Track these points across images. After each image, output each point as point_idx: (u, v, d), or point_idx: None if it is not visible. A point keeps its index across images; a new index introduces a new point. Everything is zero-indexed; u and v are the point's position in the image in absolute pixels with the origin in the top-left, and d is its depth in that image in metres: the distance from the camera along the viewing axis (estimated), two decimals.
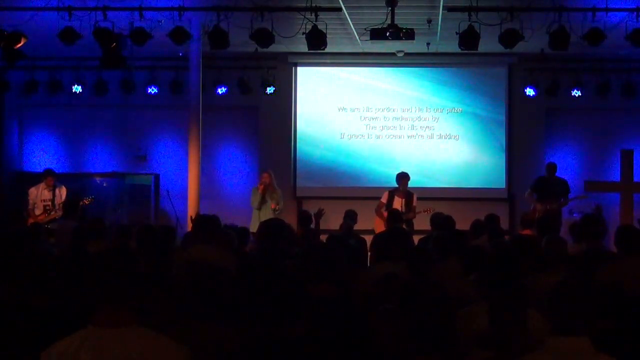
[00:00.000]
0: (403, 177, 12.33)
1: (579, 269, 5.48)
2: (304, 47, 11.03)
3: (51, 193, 11.73)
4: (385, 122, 14.75)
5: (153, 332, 3.03)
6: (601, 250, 6.39)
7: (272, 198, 12.03)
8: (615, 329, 3.86)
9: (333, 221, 12.58)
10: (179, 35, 10.39)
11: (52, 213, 11.47)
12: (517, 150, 14.59)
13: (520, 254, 5.48)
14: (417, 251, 5.86)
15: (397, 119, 14.74)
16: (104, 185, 14.38)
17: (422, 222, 11.65)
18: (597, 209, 12.19)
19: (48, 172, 12.02)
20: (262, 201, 12.03)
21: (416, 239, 9.32)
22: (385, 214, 11.96)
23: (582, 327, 3.06)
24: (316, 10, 10.17)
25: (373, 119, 14.76)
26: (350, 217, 11.27)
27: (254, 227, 10.45)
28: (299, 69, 14.84)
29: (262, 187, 12.08)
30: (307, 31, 10.38)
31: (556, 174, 13.00)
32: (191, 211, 12.15)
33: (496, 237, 7.90)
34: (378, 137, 14.74)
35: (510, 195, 14.38)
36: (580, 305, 3.08)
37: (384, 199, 12.28)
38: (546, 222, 8.22)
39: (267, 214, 11.66)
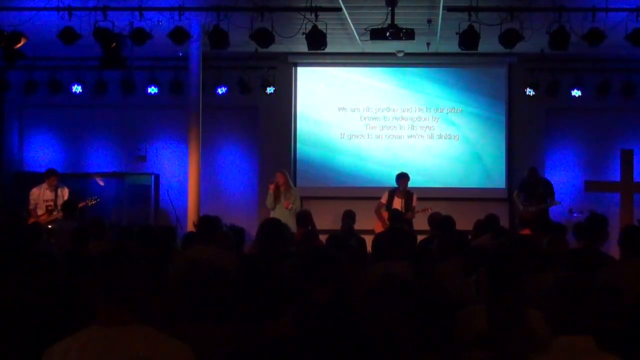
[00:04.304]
0: (403, 177, 12.34)
1: (575, 268, 5.47)
2: (304, 47, 11.03)
3: (53, 193, 11.69)
4: (385, 122, 14.75)
5: (157, 331, 3.04)
6: (598, 252, 6.38)
7: (287, 197, 12.00)
8: (617, 330, 3.86)
9: (333, 221, 12.59)
10: (179, 35, 10.39)
11: (55, 213, 11.44)
12: (517, 150, 14.60)
13: (520, 253, 5.48)
14: (419, 251, 5.86)
15: (397, 119, 14.74)
16: (104, 185, 14.38)
17: (422, 222, 11.66)
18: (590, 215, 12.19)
19: (51, 172, 11.94)
20: (276, 201, 12.02)
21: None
22: (385, 214, 12.00)
23: (584, 326, 3.06)
24: (316, 10, 10.17)
25: (373, 119, 14.76)
26: (350, 217, 11.28)
27: None
28: (299, 69, 14.84)
29: (272, 186, 12.05)
30: (307, 31, 10.38)
31: (540, 175, 13.04)
32: (191, 211, 12.16)
33: (501, 236, 7.90)
34: (378, 137, 14.74)
35: (510, 195, 14.38)
36: (581, 304, 3.08)
37: (383, 199, 12.29)
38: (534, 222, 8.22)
39: (280, 213, 11.60)
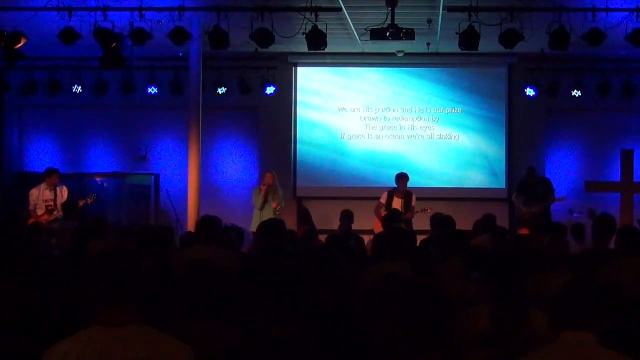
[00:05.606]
0: (402, 177, 12.33)
1: (587, 269, 5.47)
2: (304, 47, 11.02)
3: (53, 193, 11.66)
4: (385, 122, 14.75)
5: (157, 331, 3.04)
6: (611, 251, 6.37)
7: (274, 198, 12.07)
8: (616, 329, 3.86)
9: (333, 221, 12.59)
10: (179, 35, 10.39)
11: (55, 212, 11.42)
12: (517, 150, 14.59)
13: (521, 253, 5.48)
14: (419, 251, 5.86)
15: (397, 119, 14.74)
16: (104, 185, 14.37)
17: (421, 222, 11.66)
18: (590, 213, 12.19)
19: (52, 171, 11.87)
20: (264, 201, 12.07)
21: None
22: (384, 214, 11.99)
23: (585, 325, 3.07)
24: (316, 10, 10.17)
25: (373, 119, 14.76)
26: (348, 217, 11.28)
27: (254, 227, 10.47)
28: (299, 69, 14.83)
29: (264, 187, 12.12)
30: (307, 31, 10.38)
31: (538, 174, 13.07)
32: (191, 211, 12.16)
33: (499, 236, 7.90)
34: (378, 137, 14.74)
35: (510, 195, 14.38)
36: (584, 304, 3.08)
37: (383, 199, 12.29)
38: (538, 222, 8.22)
39: (268, 213, 11.69)
